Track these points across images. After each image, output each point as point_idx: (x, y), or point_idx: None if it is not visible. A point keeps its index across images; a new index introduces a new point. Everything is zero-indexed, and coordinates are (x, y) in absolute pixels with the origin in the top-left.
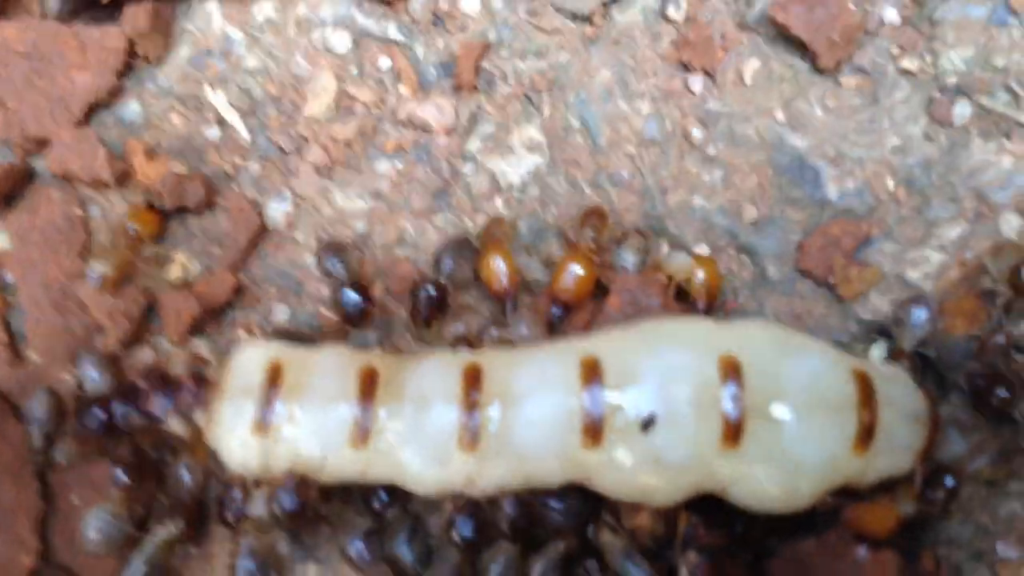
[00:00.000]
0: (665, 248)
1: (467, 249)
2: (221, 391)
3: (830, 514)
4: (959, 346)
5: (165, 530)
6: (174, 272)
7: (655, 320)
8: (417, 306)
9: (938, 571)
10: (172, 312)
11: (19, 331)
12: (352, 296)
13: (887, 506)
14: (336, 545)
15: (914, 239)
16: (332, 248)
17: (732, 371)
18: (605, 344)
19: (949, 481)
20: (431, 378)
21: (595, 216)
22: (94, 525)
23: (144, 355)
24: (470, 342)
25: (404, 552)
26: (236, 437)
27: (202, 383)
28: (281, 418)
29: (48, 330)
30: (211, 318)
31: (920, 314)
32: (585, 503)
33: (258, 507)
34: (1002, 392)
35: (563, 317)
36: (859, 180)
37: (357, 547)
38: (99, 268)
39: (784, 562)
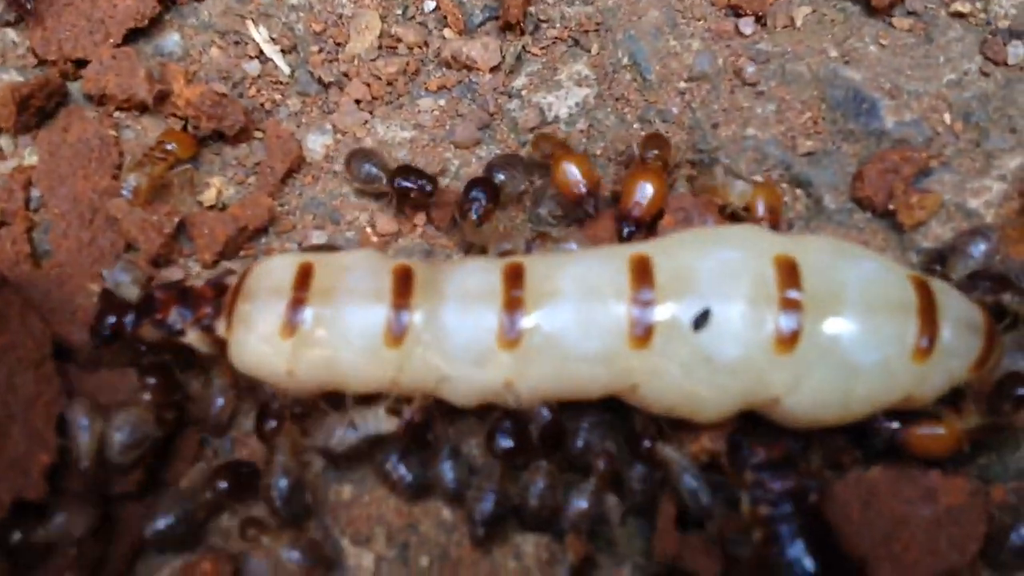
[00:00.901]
0: (719, 174)
1: (518, 164)
2: (247, 293)
3: (887, 442)
4: (1020, 272)
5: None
6: (209, 196)
7: (709, 227)
8: (469, 204)
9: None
10: (205, 232)
11: (45, 250)
12: (404, 180)
13: (946, 424)
14: (371, 465)
15: (973, 170)
16: (359, 154)
17: (789, 271)
18: (656, 246)
19: (1020, 390)
20: (471, 278)
21: (657, 139)
22: (121, 427)
23: (174, 275)
24: None
25: (446, 472)
26: (263, 339)
27: (223, 291)
28: (311, 320)
29: (75, 244)
30: (245, 241)
31: (980, 246)
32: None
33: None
34: None
35: (634, 234)
36: (916, 113)
37: (397, 468)
38: (133, 180)
39: (848, 488)
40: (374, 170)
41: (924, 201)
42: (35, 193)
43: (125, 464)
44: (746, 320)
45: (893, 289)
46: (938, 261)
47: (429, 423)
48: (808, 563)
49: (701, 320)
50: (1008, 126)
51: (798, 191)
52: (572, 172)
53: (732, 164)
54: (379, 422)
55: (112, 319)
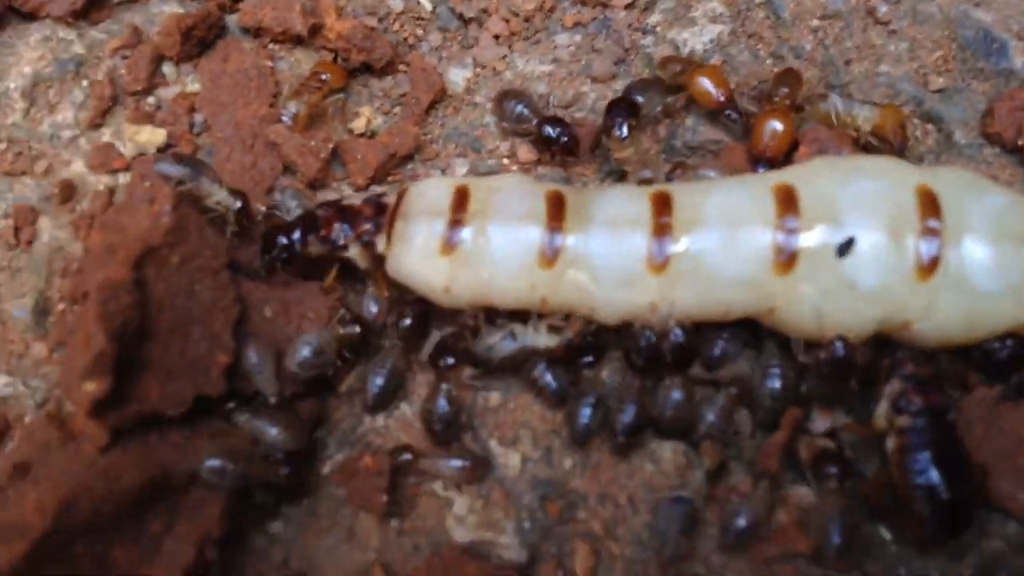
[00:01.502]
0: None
1: (656, 87)
2: (405, 212)
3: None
4: None
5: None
6: (360, 124)
7: (850, 157)
8: (613, 122)
9: None
10: (357, 158)
11: None
12: (551, 128)
13: None
14: (518, 375)
15: None
16: (511, 94)
17: (929, 201)
18: (800, 174)
19: None
20: (620, 204)
21: (790, 76)
22: (309, 344)
23: (330, 197)
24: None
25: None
26: (422, 256)
27: (382, 209)
28: (469, 240)
29: (237, 167)
30: (393, 167)
31: None
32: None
33: None
34: None
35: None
36: None
37: (543, 376)
38: (293, 108)
39: (973, 407)
40: (524, 111)
41: None
42: (198, 118)
43: (305, 378)
44: (888, 248)
45: (1019, 221)
46: None
47: (585, 343)
48: (935, 477)
49: (845, 248)
50: None
51: (929, 126)
52: (706, 83)
53: (865, 99)
54: (538, 337)
55: (282, 238)
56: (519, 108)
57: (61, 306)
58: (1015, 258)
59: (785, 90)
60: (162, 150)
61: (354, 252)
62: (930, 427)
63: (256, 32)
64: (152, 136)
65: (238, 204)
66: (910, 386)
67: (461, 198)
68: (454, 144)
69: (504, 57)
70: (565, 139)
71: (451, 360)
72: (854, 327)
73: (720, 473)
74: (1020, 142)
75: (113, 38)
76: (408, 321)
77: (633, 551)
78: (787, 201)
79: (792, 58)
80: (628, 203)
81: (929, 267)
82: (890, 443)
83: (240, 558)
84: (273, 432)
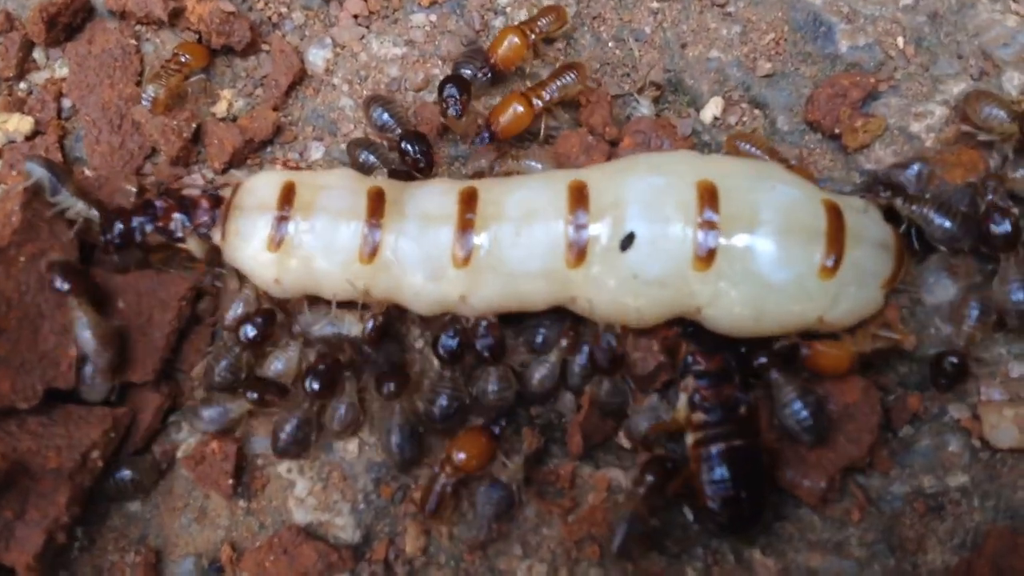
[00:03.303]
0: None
1: (480, 55)
2: (238, 207)
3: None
4: (957, 194)
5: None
6: (221, 108)
7: (642, 152)
8: (446, 101)
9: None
10: (216, 141)
11: (76, 156)
12: (410, 144)
13: (842, 345)
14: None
15: (920, 94)
16: (377, 99)
17: (709, 194)
18: (593, 172)
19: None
20: (431, 199)
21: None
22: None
23: (193, 180)
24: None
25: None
26: (253, 250)
27: (218, 202)
28: (294, 233)
29: (106, 148)
30: (252, 151)
31: (911, 173)
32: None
33: None
34: (1002, 225)
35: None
36: (870, 36)
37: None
38: (152, 90)
39: (761, 394)
40: (389, 121)
41: (868, 125)
42: (67, 103)
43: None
44: (666, 240)
45: (804, 212)
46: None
47: (386, 330)
48: (725, 473)
49: (627, 242)
50: (956, 51)
51: (756, 111)
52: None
53: (695, 85)
54: (352, 325)
55: (120, 224)
56: (384, 117)
57: None
58: (801, 250)
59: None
60: (31, 137)
61: (191, 244)
62: (722, 422)
63: (122, 14)
64: (20, 124)
65: (94, 214)
66: (702, 383)
67: (288, 194)
68: (311, 127)
69: (362, 38)
70: (419, 158)
71: (392, 387)
72: (647, 312)
73: (539, 457)
74: (837, 130)
75: None
76: (254, 332)
77: (459, 531)
78: (578, 197)
79: (632, 40)
80: (439, 199)
81: (707, 257)
82: (688, 438)
83: (102, 536)
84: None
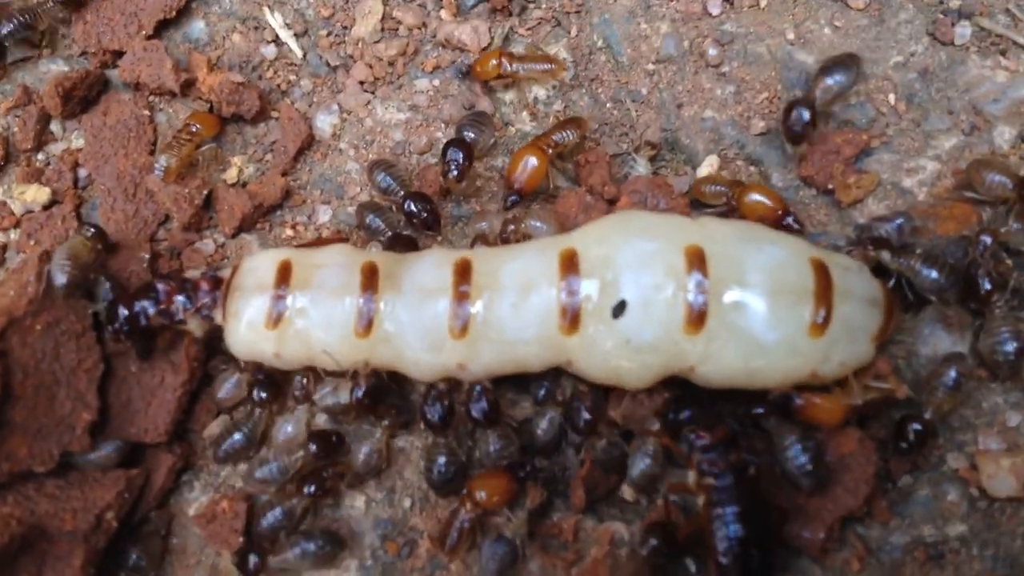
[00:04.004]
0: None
1: (486, 120)
2: (236, 288)
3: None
4: (951, 247)
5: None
6: (231, 174)
7: (628, 212)
8: (448, 165)
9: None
10: (227, 207)
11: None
12: (414, 204)
13: (835, 398)
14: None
15: (912, 149)
16: (380, 164)
17: (697, 260)
18: (582, 237)
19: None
20: (426, 272)
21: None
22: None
23: (205, 246)
24: (488, 242)
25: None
26: (252, 329)
27: (218, 284)
28: (292, 311)
29: (121, 216)
30: (261, 215)
31: (892, 227)
32: None
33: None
34: (986, 282)
35: (516, 203)
36: (862, 95)
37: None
38: (164, 160)
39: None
40: (392, 184)
41: (861, 181)
42: (82, 173)
43: None
44: (660, 306)
45: (792, 272)
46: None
47: (376, 396)
48: (735, 531)
49: (619, 309)
50: (947, 107)
51: (751, 168)
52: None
53: (691, 144)
54: (342, 395)
55: (123, 310)
56: (387, 180)
57: None
58: (790, 310)
59: (560, 136)
60: (48, 207)
61: (192, 325)
62: (734, 485)
63: (136, 86)
64: (37, 194)
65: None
66: (709, 457)
67: (284, 273)
68: (319, 190)
69: (368, 103)
70: (425, 215)
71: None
72: (641, 375)
73: (544, 511)
74: (830, 186)
75: (6, 98)
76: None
77: None
78: (569, 263)
79: (630, 102)
80: (433, 271)
81: (698, 320)
82: (700, 500)
83: None
84: None
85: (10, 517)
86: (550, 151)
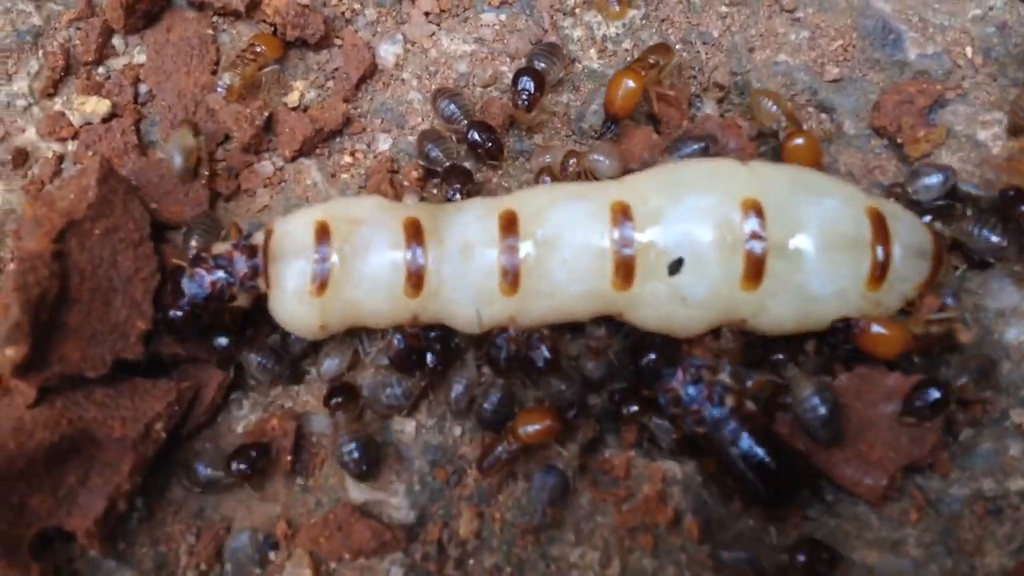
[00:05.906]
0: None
1: (557, 52)
2: (274, 254)
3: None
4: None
5: None
6: (292, 98)
7: (683, 163)
8: (518, 94)
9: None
10: (288, 130)
11: (151, 140)
12: (478, 134)
13: (899, 326)
14: None
15: (987, 103)
16: (445, 92)
17: (756, 212)
18: (634, 188)
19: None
20: (471, 225)
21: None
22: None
23: (263, 168)
24: (553, 175)
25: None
26: (296, 298)
27: (253, 251)
28: (335, 275)
29: None
30: (321, 141)
31: (933, 180)
32: None
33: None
34: None
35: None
36: (939, 45)
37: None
38: (227, 78)
39: None
40: (456, 112)
41: (930, 135)
42: (143, 88)
43: None
44: (715, 262)
45: (850, 225)
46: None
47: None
48: (747, 445)
49: (675, 267)
50: None
51: (822, 115)
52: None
53: (755, 83)
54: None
55: (176, 312)
56: (452, 108)
57: (11, 266)
58: (843, 263)
59: (654, 59)
60: (107, 120)
61: (242, 300)
62: (726, 417)
63: (200, 5)
64: (97, 106)
65: None
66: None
67: (323, 233)
68: (380, 119)
69: (432, 35)
70: (490, 145)
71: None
72: (695, 326)
73: (594, 446)
74: (899, 139)
75: (68, 10)
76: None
77: (513, 516)
78: (622, 216)
79: (700, 44)
80: (478, 224)
81: (755, 276)
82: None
83: (161, 508)
84: None
85: (61, 416)
86: (644, 75)
